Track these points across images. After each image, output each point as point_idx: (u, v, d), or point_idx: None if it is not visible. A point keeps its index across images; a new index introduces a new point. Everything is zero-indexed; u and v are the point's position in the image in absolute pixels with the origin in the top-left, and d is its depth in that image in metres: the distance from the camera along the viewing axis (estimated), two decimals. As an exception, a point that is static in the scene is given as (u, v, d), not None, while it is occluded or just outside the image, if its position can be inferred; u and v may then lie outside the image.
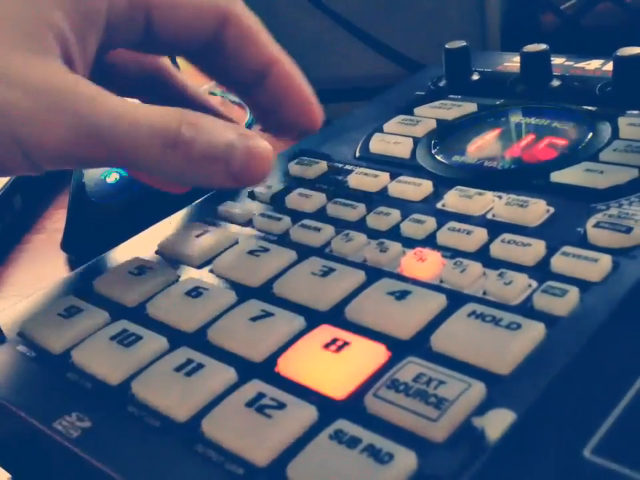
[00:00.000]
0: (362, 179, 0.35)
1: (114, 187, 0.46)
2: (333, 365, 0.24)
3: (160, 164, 0.27)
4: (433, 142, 0.37)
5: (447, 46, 0.43)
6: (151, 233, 0.35)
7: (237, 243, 0.33)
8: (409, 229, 0.30)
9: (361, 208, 0.33)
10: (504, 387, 0.22)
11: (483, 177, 0.33)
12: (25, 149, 0.26)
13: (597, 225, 0.28)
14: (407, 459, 0.20)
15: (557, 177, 0.32)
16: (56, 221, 0.53)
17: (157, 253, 0.33)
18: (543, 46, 0.40)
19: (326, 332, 0.25)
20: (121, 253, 0.34)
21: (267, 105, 0.34)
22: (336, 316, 0.27)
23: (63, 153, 0.26)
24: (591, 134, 0.35)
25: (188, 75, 0.37)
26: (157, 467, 0.22)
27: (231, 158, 0.28)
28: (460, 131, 0.38)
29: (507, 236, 0.28)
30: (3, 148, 0.26)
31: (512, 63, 0.44)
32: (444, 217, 0.31)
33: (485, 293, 0.26)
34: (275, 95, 0.33)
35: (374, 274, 0.28)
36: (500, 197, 0.31)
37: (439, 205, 0.32)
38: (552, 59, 0.41)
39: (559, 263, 0.26)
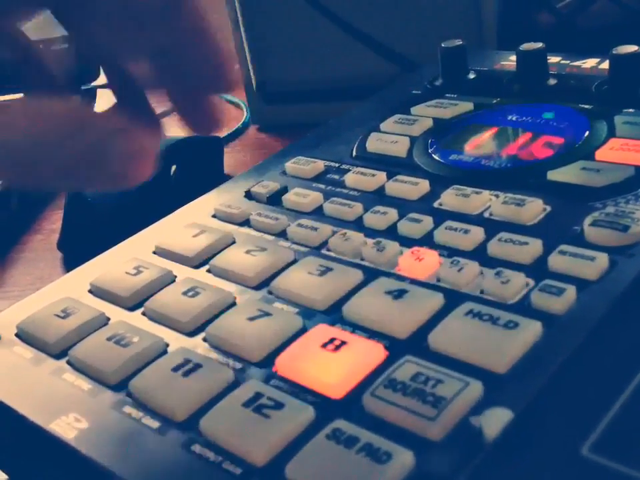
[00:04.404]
0: (359, 178, 0.35)
1: (111, 187, 0.46)
2: (330, 365, 0.24)
3: None
4: (429, 141, 0.37)
5: (443, 45, 0.43)
6: (148, 233, 0.35)
7: (233, 242, 0.32)
8: (406, 228, 0.30)
9: (358, 207, 0.33)
10: (501, 386, 0.22)
11: (479, 175, 0.34)
12: None
13: (593, 224, 0.28)
14: (404, 458, 0.20)
15: (554, 175, 0.32)
16: (54, 222, 0.53)
17: (154, 253, 0.33)
18: (539, 44, 0.40)
19: (324, 331, 0.25)
20: (118, 253, 0.34)
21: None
22: (334, 315, 0.27)
23: None
24: (587, 132, 0.35)
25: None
26: (154, 467, 0.22)
27: None
28: (456, 130, 0.38)
29: (504, 235, 0.28)
30: None
31: (508, 61, 0.44)
32: (441, 216, 0.31)
33: (482, 292, 0.26)
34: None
35: (371, 273, 0.28)
36: (497, 196, 0.31)
37: (435, 204, 0.32)
38: (548, 57, 0.41)
39: (556, 261, 0.26)
